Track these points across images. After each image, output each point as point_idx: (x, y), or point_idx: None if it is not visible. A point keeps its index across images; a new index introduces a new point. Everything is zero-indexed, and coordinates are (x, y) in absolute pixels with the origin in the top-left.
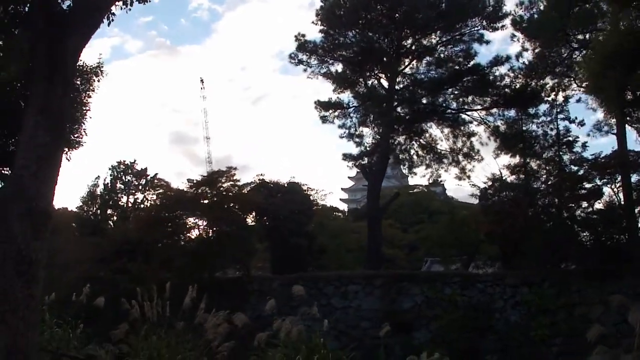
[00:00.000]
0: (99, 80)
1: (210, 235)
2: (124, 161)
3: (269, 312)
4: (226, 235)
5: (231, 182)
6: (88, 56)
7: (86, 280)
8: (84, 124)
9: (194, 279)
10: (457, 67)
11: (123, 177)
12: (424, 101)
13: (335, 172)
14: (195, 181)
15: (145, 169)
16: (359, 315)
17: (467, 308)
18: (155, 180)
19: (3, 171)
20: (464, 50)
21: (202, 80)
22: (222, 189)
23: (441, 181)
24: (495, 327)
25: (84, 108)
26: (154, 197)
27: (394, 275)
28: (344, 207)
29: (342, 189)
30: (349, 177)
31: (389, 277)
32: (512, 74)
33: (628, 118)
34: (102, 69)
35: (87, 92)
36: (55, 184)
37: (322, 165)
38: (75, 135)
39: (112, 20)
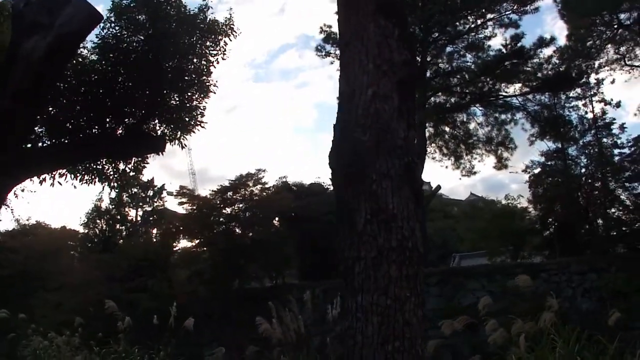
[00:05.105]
0: (226, 44)
1: (241, 243)
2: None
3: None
4: (258, 242)
5: (260, 185)
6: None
7: (100, 302)
8: (206, 100)
9: (224, 291)
10: (503, 51)
11: (128, 190)
12: (460, 89)
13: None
14: (220, 187)
15: (152, 179)
16: None
17: (534, 299)
18: (178, 189)
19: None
20: (489, 36)
21: None
22: (251, 193)
23: (474, 172)
24: (567, 316)
25: (209, 79)
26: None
27: (449, 272)
28: None
29: None
30: None
31: (444, 274)
32: (556, 56)
33: None
34: (232, 27)
35: (215, 58)
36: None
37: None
38: (196, 114)
39: None
